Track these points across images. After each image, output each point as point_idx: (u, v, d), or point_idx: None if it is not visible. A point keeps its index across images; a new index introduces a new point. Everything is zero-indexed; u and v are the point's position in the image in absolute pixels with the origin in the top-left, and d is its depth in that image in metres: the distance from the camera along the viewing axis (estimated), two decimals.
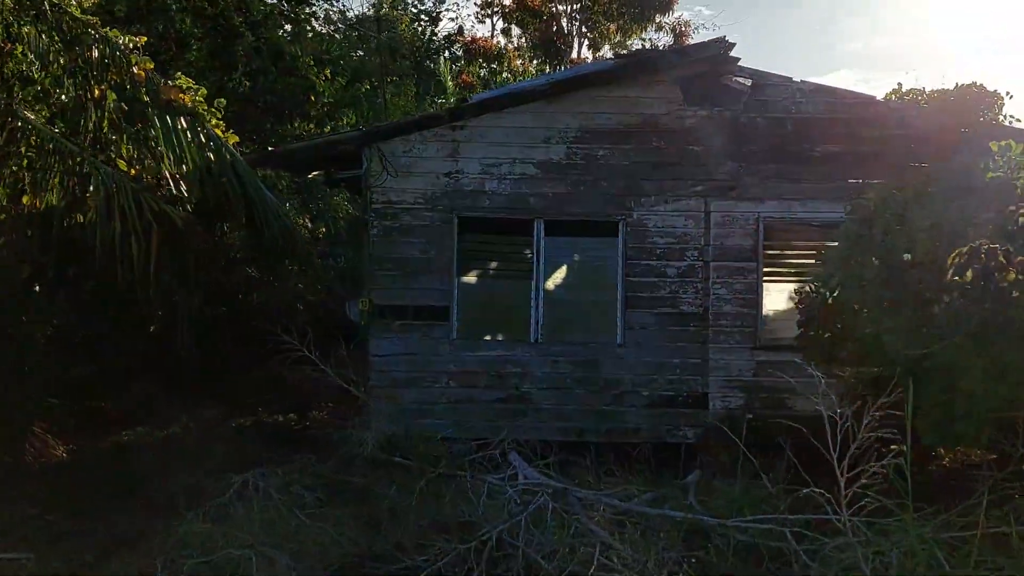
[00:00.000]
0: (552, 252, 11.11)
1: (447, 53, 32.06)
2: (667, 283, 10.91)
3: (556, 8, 34.16)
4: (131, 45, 8.08)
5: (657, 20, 33.29)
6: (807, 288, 8.58)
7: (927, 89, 11.16)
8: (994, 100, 10.81)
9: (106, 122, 8.09)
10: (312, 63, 17.85)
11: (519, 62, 35.30)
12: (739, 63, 10.83)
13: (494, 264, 11.55)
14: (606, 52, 34.87)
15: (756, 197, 10.92)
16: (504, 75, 33.88)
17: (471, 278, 11.17)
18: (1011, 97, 10.73)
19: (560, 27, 33.91)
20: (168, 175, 8.18)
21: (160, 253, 7.74)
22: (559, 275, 11.76)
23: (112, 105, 7.92)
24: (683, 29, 33.63)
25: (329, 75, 18.53)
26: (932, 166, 9.02)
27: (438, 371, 10.80)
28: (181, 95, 8.15)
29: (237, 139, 9.10)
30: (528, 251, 10.96)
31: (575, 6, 33.88)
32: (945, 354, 6.50)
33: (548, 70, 35.65)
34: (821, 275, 8.15)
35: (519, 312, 10.96)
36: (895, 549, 5.92)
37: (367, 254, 10.85)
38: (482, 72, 33.57)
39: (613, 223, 10.90)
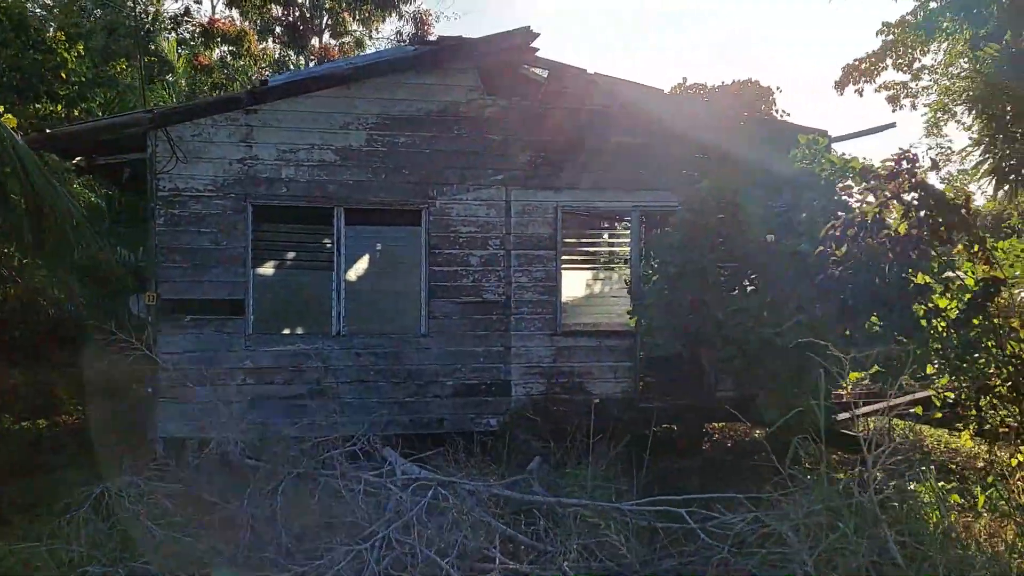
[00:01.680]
0: (353, 241, 10.83)
1: (173, 33, 30.38)
2: (470, 272, 10.91)
3: None
4: None
5: (400, 8, 33.43)
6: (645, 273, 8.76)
7: (708, 84, 11.67)
8: (767, 94, 11.56)
9: None
10: (64, 37, 16.34)
11: (260, 45, 34.41)
12: (537, 53, 10.96)
13: (293, 254, 11.09)
14: (350, 39, 34.85)
15: (554, 187, 11.12)
16: (245, 60, 32.96)
17: (268, 269, 10.67)
18: (781, 91, 11.53)
19: (303, 13, 33.30)
20: None
21: None
22: (361, 265, 11.49)
23: None
24: (424, 17, 33.91)
25: (82, 51, 17.05)
26: (738, 159, 9.46)
27: (233, 368, 10.27)
28: None
29: (15, 121, 8.18)
30: (328, 240, 10.63)
31: None
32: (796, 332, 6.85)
33: (292, 56, 35.11)
34: (658, 262, 8.36)
35: (320, 304, 10.63)
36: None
37: (152, 245, 10.10)
38: (219, 54, 32.44)
39: (416, 211, 10.77)
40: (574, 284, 11.65)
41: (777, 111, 11.66)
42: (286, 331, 10.86)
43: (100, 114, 17.09)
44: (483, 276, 10.96)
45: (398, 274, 11.28)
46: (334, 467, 6.94)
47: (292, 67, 34.10)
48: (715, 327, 7.70)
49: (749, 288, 8.04)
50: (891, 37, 13.91)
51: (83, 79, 16.24)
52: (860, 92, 14.79)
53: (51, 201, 8.13)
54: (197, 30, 33.84)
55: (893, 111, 18.26)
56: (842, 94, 14.86)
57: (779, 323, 7.42)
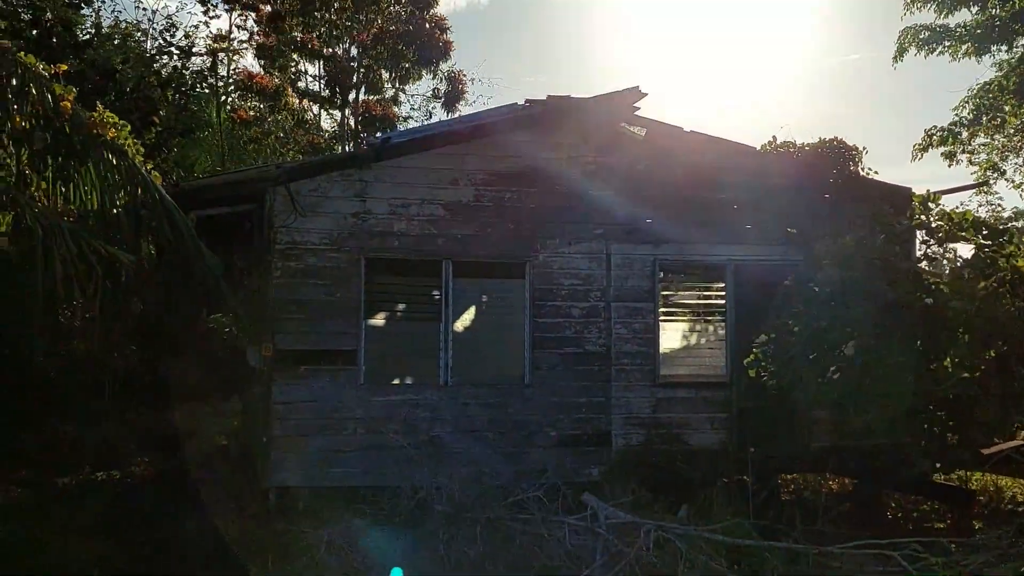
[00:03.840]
0: (460, 293, 11.04)
1: (204, 85, 30.80)
2: (572, 323, 11.13)
3: (336, 50, 34.21)
4: (49, 73, 7.37)
5: (438, 66, 34.01)
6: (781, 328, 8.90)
7: (798, 142, 11.96)
8: (854, 152, 11.84)
9: (26, 157, 7.31)
10: (155, 83, 16.80)
11: (296, 101, 35.03)
12: (636, 112, 11.31)
13: (402, 306, 11.33)
14: (387, 94, 35.57)
15: (652, 240, 11.38)
16: (283, 114, 33.58)
17: (379, 320, 10.88)
18: (867, 152, 11.79)
19: (344, 67, 33.93)
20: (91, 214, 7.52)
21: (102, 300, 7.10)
22: (467, 316, 11.70)
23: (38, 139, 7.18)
24: (458, 76, 34.44)
25: (170, 97, 17.54)
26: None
27: (346, 417, 10.45)
28: (109, 130, 7.51)
29: (160, 178, 8.50)
30: (436, 292, 10.86)
31: (352, 50, 34.08)
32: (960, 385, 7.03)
33: (337, 112, 35.74)
34: (801, 316, 8.51)
35: (427, 354, 10.81)
36: None
37: (269, 297, 10.36)
38: (258, 109, 33.05)
39: (520, 264, 11.03)
40: (671, 336, 11.82)
41: (863, 169, 11.92)
42: (395, 381, 11.04)
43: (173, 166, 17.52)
44: (584, 328, 11.17)
45: (503, 326, 11.49)
46: (527, 513, 7.02)
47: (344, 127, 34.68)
48: (871, 381, 7.85)
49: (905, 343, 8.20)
50: (977, 101, 14.19)
51: (169, 126, 16.63)
52: (951, 155, 15.01)
53: (197, 257, 8.40)
54: (231, 85, 34.55)
55: (949, 166, 18.57)
56: (921, 158, 15.19)
57: (936, 377, 7.60)
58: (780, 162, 11.76)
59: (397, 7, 33.55)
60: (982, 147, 15.80)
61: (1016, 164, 18.27)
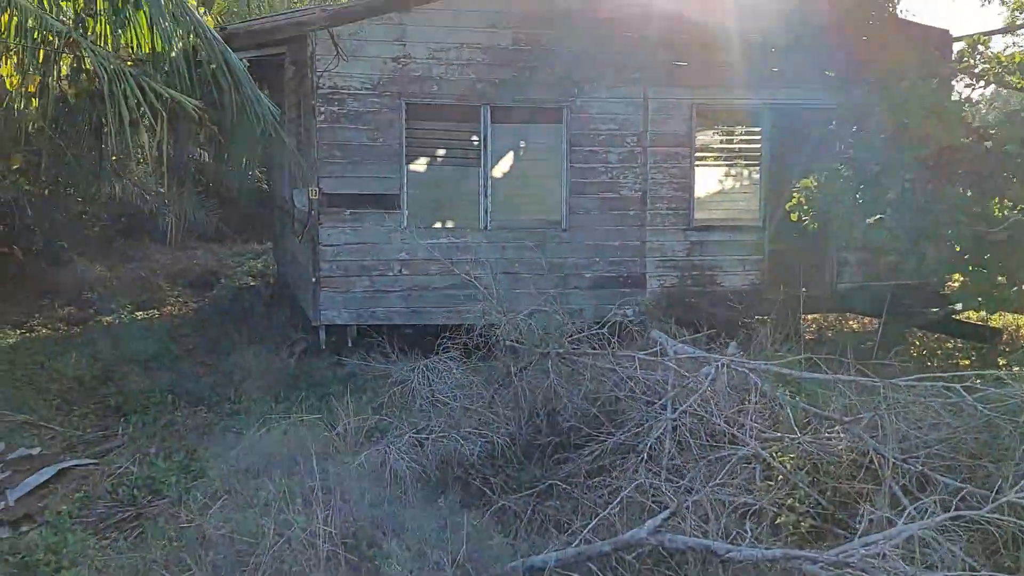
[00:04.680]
0: (499, 139, 11.19)
1: None
2: (609, 169, 11.30)
3: None
4: None
5: None
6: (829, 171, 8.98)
7: None
8: None
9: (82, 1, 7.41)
10: None
11: None
12: None
13: (442, 151, 11.51)
14: None
15: (689, 84, 11.38)
16: None
17: (420, 165, 11.11)
18: None
19: None
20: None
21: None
22: (506, 162, 11.89)
23: None
24: None
25: None
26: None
27: (390, 259, 10.83)
28: None
29: (213, 22, 8.57)
30: (475, 138, 11.01)
31: None
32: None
33: None
34: (852, 160, 8.63)
35: (468, 199, 11.07)
36: None
37: (313, 141, 10.55)
38: None
39: (558, 110, 11.11)
40: (705, 180, 11.99)
41: (901, 11, 11.76)
42: (437, 225, 11.36)
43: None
44: (621, 173, 11.35)
45: (541, 171, 11.68)
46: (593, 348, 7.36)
47: None
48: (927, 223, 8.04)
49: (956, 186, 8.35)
50: None
51: None
52: None
53: (256, 101, 8.55)
54: None
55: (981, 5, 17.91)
56: None
57: (990, 218, 7.79)
58: (818, 2, 11.58)
59: None
60: None
61: None
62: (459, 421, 6.88)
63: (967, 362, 11.51)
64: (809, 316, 13.19)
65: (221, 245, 17.91)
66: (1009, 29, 10.82)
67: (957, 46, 11.37)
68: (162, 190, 13.82)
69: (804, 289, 11.54)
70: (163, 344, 11.19)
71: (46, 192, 12.62)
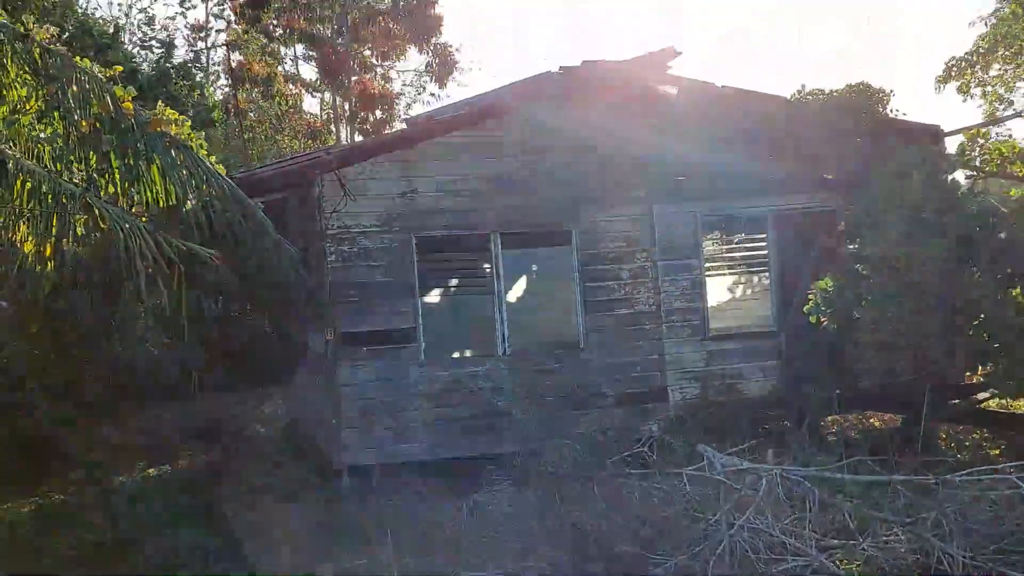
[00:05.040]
0: (510, 264, 11.24)
1: (195, 76, 30.45)
2: (621, 285, 11.33)
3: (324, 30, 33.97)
4: (106, 76, 7.49)
5: (431, 41, 33.64)
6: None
7: (826, 89, 12.10)
8: (881, 96, 11.97)
9: (94, 159, 7.45)
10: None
11: (291, 86, 34.88)
12: (668, 71, 11.43)
13: (455, 281, 11.55)
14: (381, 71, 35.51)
15: (693, 197, 11.54)
16: (277, 99, 33.38)
17: (434, 297, 11.13)
18: (894, 94, 11.93)
19: (335, 48, 33.59)
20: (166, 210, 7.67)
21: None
22: (519, 286, 11.92)
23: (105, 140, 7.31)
24: (446, 50, 34.01)
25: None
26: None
27: (411, 394, 10.67)
28: (171, 127, 7.64)
29: (224, 170, 8.64)
30: (487, 265, 11.04)
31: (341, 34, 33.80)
32: None
33: (329, 95, 35.46)
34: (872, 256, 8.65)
35: (484, 326, 11.02)
36: None
37: (327, 281, 10.52)
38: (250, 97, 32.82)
39: (566, 231, 11.20)
40: (717, 289, 12.05)
41: (892, 111, 12.08)
42: (455, 355, 11.28)
43: None
44: (634, 288, 11.38)
45: (554, 292, 11.72)
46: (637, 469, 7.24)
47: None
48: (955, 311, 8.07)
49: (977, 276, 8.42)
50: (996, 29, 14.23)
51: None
52: (965, 88, 15.11)
53: (276, 248, 8.57)
54: (220, 75, 34.36)
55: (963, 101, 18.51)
56: (941, 91, 15.33)
57: (1017, 305, 7.82)
58: (811, 110, 11.89)
59: None
60: (995, 78, 15.86)
61: None
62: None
63: (997, 451, 11.39)
64: (829, 417, 13.08)
65: (227, 393, 17.65)
66: (993, 121, 11.11)
67: (949, 139, 11.71)
68: (167, 341, 13.66)
69: (824, 391, 11.57)
70: (180, 501, 10.85)
71: (52, 356, 12.45)
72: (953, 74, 14.47)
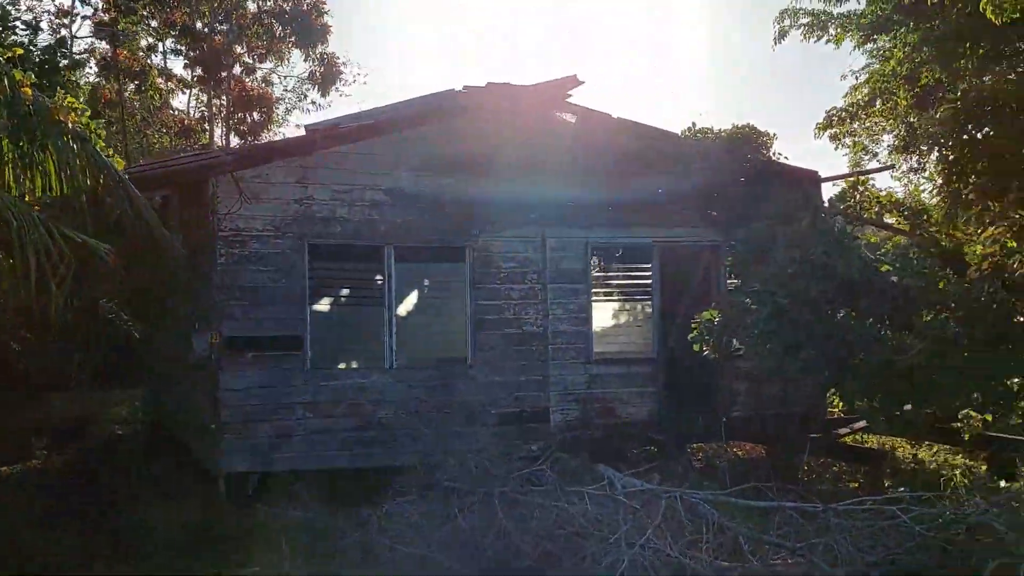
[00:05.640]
0: (403, 278, 11.22)
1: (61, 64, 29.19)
2: (511, 305, 11.49)
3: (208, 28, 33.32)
4: (5, 58, 7.14)
5: (317, 49, 33.34)
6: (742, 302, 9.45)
7: (715, 128, 12.69)
8: (765, 138, 12.63)
9: None
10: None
11: (161, 80, 33.94)
12: (569, 99, 11.74)
13: (346, 291, 11.43)
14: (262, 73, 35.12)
15: (584, 224, 11.84)
16: (151, 93, 32.46)
17: (323, 306, 10.97)
18: (776, 137, 12.60)
19: (218, 48, 32.87)
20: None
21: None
22: (411, 300, 11.90)
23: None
24: (331, 60, 33.79)
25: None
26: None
27: (293, 402, 10.50)
28: (71, 115, 7.33)
29: (123, 163, 8.34)
30: (379, 277, 11.01)
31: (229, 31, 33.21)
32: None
33: (204, 93, 34.60)
34: (760, 293, 9.06)
35: (372, 338, 10.96)
36: None
37: (214, 283, 10.27)
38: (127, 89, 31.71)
39: (460, 249, 11.30)
40: (602, 315, 12.34)
41: (774, 153, 12.74)
42: (342, 365, 11.16)
43: None
44: (523, 309, 11.55)
45: (445, 309, 11.76)
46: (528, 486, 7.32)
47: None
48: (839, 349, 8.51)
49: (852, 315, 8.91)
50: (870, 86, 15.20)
51: None
52: (840, 136, 16.08)
53: (164, 244, 8.31)
54: (93, 61, 32.91)
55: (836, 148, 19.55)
56: (820, 138, 16.25)
57: (898, 347, 8.34)
58: (699, 148, 12.41)
59: None
60: (864, 130, 16.89)
61: (889, 146, 18.90)
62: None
63: (855, 484, 12.06)
64: (696, 444, 13.58)
65: (81, 392, 16.90)
66: (863, 172, 11.86)
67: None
68: (27, 336, 13.07)
69: (694, 420, 12.05)
70: (41, 502, 10.33)
71: None
72: (834, 122, 15.35)
